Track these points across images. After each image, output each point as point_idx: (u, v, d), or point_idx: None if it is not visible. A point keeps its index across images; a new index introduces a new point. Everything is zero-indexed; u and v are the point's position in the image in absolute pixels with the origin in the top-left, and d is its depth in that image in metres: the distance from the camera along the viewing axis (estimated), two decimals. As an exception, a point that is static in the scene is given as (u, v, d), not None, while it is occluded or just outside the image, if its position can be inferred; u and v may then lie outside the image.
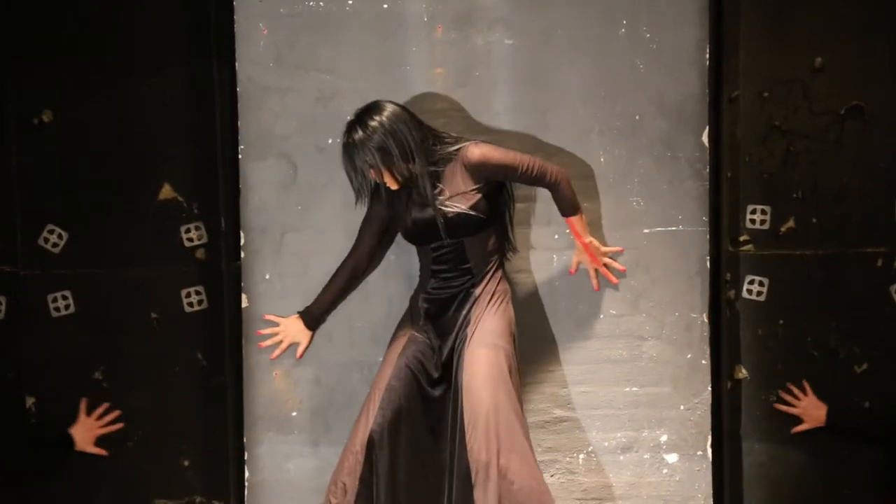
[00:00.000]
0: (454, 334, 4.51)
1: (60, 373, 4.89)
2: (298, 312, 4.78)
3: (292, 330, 4.77)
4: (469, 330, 4.47)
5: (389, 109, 4.40)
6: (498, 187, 4.61)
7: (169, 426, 4.90)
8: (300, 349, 4.79)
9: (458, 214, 4.42)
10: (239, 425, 4.88)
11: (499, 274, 4.58)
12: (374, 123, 4.34)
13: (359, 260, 4.71)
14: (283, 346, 4.78)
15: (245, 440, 4.89)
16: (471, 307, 4.52)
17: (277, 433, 4.87)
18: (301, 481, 4.89)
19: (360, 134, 4.34)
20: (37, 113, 4.87)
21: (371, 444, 4.41)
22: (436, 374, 4.49)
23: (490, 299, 4.52)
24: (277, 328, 4.78)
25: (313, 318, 4.76)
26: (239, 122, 4.83)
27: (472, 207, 4.45)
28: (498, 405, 4.31)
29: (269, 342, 4.80)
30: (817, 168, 4.83)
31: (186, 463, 4.90)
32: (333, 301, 4.76)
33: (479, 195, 4.47)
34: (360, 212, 4.80)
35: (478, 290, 4.53)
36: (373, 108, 4.41)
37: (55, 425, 4.87)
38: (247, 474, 4.89)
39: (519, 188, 4.74)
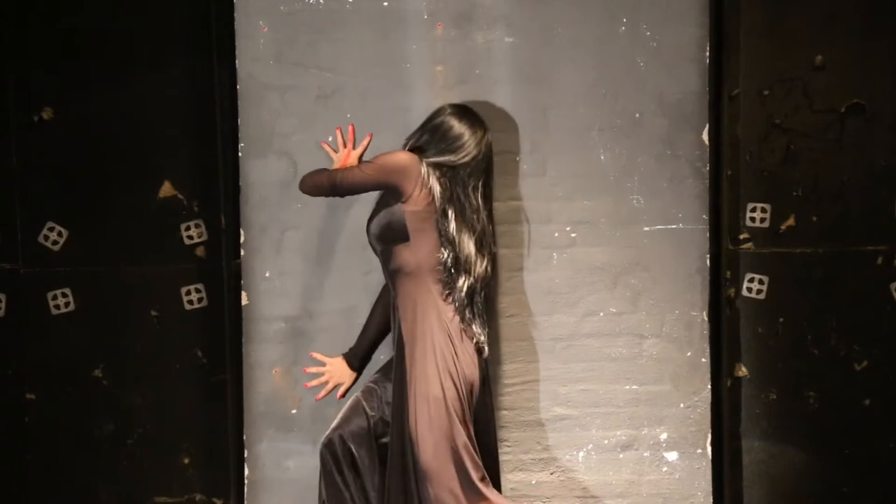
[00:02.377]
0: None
1: (60, 370, 4.90)
2: (343, 354, 4.67)
3: (338, 371, 4.62)
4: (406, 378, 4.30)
5: None
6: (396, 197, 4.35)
7: (169, 424, 4.90)
8: (342, 389, 4.65)
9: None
10: (239, 423, 4.88)
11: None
12: None
13: (389, 296, 4.51)
14: (329, 387, 4.61)
15: (245, 438, 4.89)
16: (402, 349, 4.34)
17: (277, 431, 4.87)
18: (301, 479, 4.88)
19: None
20: (37, 110, 4.87)
21: (330, 447, 4.42)
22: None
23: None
24: (324, 367, 4.64)
25: (357, 359, 4.61)
26: (239, 120, 4.83)
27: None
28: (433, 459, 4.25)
29: (315, 382, 4.66)
30: (817, 166, 4.84)
31: (186, 461, 4.91)
32: (374, 340, 4.62)
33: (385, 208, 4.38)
34: (360, 209, 4.81)
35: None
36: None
37: (55, 423, 4.87)
38: (246, 472, 4.89)
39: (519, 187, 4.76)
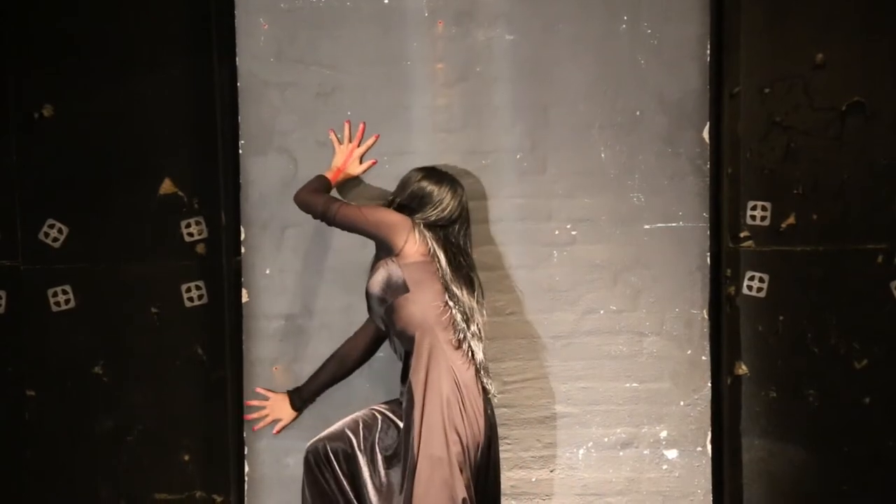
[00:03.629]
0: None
1: (60, 367, 4.90)
2: (288, 392, 4.78)
3: (278, 407, 4.77)
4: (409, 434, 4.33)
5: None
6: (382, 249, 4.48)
7: (169, 421, 4.90)
8: (279, 426, 4.78)
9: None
10: (239, 420, 4.88)
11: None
12: None
13: (353, 348, 4.66)
14: (268, 420, 4.78)
15: (245, 435, 4.89)
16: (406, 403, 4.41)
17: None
18: (300, 476, 4.86)
19: None
20: (37, 107, 4.87)
21: (315, 454, 4.42)
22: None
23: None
24: (266, 402, 4.78)
25: (301, 399, 4.75)
26: (239, 117, 4.83)
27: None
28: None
29: (254, 415, 4.80)
30: (818, 164, 4.84)
31: (187, 457, 4.91)
32: (324, 386, 4.72)
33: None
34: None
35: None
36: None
37: (55, 419, 4.87)
38: (247, 469, 4.89)
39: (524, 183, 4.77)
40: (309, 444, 4.43)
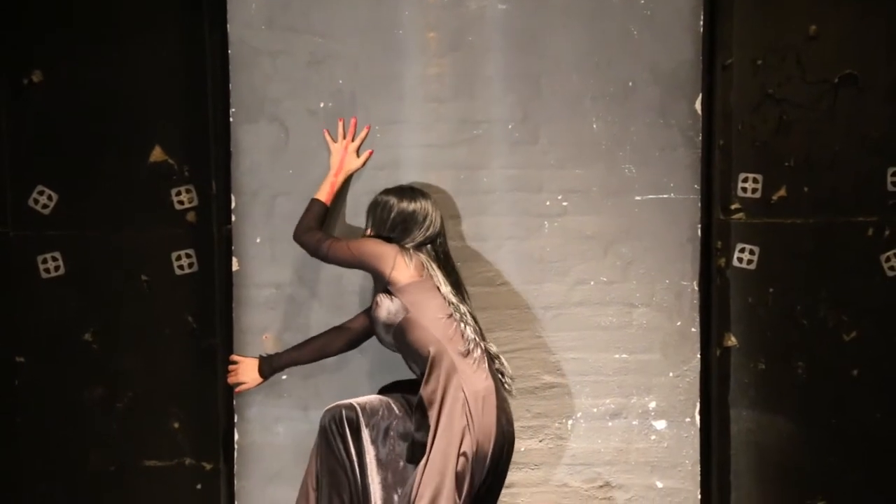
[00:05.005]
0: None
1: (50, 334, 4.89)
2: (260, 356, 4.79)
3: (245, 370, 4.79)
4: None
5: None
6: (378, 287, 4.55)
7: (159, 388, 4.91)
8: (241, 388, 4.81)
9: None
10: (229, 388, 4.88)
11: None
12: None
13: (336, 339, 4.70)
14: (232, 379, 4.81)
15: (235, 403, 4.90)
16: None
17: (267, 396, 4.88)
18: (291, 444, 4.90)
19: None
20: (27, 73, 4.84)
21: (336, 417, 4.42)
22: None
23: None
24: (235, 366, 4.81)
25: (271, 368, 4.78)
26: (230, 85, 4.81)
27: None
28: None
29: (230, 376, 4.83)
30: (810, 137, 4.83)
31: (176, 425, 4.91)
32: (297, 364, 4.77)
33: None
34: (353, 176, 4.80)
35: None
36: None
37: (45, 386, 4.87)
38: (237, 437, 4.90)
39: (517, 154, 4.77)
40: (327, 409, 4.43)
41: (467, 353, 4.34)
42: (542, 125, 4.80)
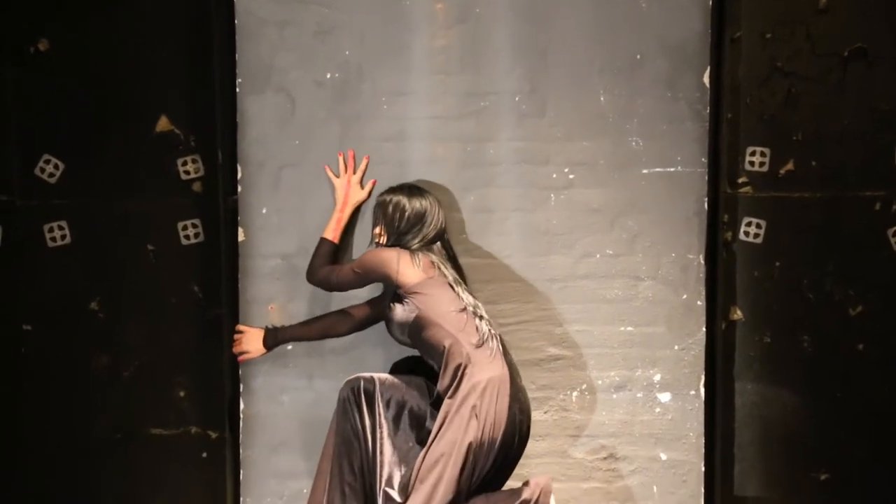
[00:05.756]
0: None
1: (57, 302, 4.90)
2: (266, 328, 4.82)
3: (250, 339, 4.83)
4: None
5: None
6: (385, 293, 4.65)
7: (165, 357, 4.92)
8: (244, 357, 4.84)
9: None
10: (235, 358, 4.89)
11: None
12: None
13: (342, 323, 4.75)
14: (236, 348, 4.84)
15: (241, 372, 4.91)
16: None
17: (273, 366, 4.89)
18: (296, 413, 4.92)
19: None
20: (33, 42, 4.82)
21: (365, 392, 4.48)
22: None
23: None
24: (240, 335, 4.84)
25: (275, 340, 4.82)
26: (237, 55, 4.80)
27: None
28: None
29: (234, 345, 4.86)
30: (818, 110, 4.81)
31: (182, 394, 4.93)
32: (300, 339, 4.82)
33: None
34: (358, 148, 4.80)
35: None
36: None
37: (51, 354, 4.89)
38: (242, 406, 4.92)
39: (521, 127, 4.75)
40: (348, 380, 4.49)
41: (482, 344, 4.37)
42: (550, 98, 4.78)
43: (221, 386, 4.92)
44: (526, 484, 4.35)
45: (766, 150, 4.81)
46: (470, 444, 4.25)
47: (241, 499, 4.94)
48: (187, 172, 4.85)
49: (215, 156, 4.85)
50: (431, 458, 4.29)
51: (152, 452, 4.93)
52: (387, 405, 4.46)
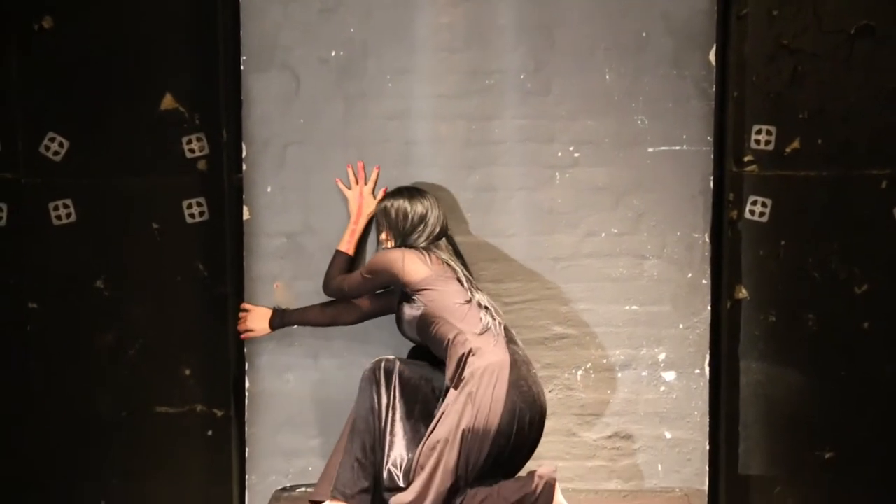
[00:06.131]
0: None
1: (62, 281, 4.90)
2: (274, 309, 4.84)
3: (256, 318, 4.86)
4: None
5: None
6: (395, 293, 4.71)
7: (170, 336, 4.92)
8: (248, 335, 4.87)
9: None
10: (240, 336, 4.90)
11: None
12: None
13: (349, 313, 4.79)
14: (241, 325, 4.87)
15: (246, 351, 4.92)
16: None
17: (279, 345, 4.90)
18: (301, 392, 4.93)
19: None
20: (37, 19, 4.81)
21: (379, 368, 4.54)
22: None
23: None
24: (246, 313, 4.87)
25: (280, 321, 4.84)
26: (241, 33, 4.79)
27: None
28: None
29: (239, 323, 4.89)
30: (825, 88, 4.78)
31: (188, 372, 4.93)
32: (306, 323, 4.85)
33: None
34: (363, 126, 4.79)
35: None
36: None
37: (57, 332, 4.89)
38: (247, 384, 4.93)
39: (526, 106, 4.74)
40: (378, 359, 4.54)
41: (484, 332, 4.40)
42: (555, 76, 4.77)
43: (227, 364, 4.93)
44: (531, 474, 4.34)
45: (772, 129, 4.80)
46: (464, 431, 4.26)
47: (247, 476, 4.96)
48: (192, 151, 4.84)
49: (220, 134, 4.84)
50: (430, 444, 4.32)
51: (158, 430, 4.94)
52: (403, 388, 4.51)
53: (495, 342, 4.38)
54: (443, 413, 4.35)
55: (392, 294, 4.70)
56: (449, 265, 4.52)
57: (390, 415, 4.48)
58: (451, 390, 4.38)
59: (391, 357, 4.57)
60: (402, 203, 4.61)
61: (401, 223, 4.60)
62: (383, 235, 4.65)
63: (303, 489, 4.90)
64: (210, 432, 4.95)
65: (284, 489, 4.92)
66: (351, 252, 4.77)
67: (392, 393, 4.50)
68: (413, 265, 4.49)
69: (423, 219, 4.60)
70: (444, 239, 4.63)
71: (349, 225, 4.79)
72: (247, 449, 4.95)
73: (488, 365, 4.32)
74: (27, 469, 4.93)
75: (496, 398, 4.28)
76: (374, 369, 4.52)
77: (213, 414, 4.95)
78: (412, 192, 4.67)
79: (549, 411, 4.71)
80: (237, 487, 4.96)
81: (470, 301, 4.45)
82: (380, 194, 4.80)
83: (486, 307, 4.45)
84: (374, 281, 4.59)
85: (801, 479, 4.91)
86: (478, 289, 4.53)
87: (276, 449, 4.94)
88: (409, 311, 4.52)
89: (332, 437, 4.90)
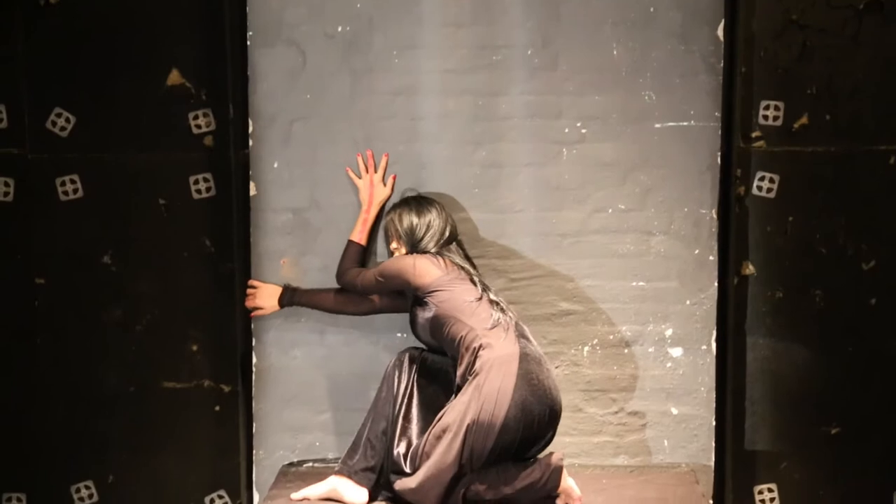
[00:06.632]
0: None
1: (69, 256, 4.90)
2: (284, 287, 4.85)
3: (265, 295, 4.87)
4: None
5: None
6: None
7: (177, 311, 4.93)
8: (257, 312, 4.89)
9: None
10: (247, 312, 4.91)
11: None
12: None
13: (358, 304, 4.80)
14: (249, 302, 4.88)
15: (253, 326, 4.93)
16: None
17: (286, 321, 4.91)
18: (308, 368, 4.94)
19: None
20: (44, -6, 4.81)
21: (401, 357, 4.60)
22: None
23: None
24: (254, 290, 4.88)
25: (290, 299, 4.86)
26: (247, 8, 4.77)
27: None
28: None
29: (248, 294, 4.89)
30: (833, 64, 4.76)
31: (195, 347, 4.94)
32: (315, 306, 4.86)
33: None
34: (369, 101, 4.78)
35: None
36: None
37: (64, 307, 4.90)
38: (254, 360, 4.94)
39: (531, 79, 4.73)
40: (405, 349, 4.61)
41: (495, 326, 4.39)
42: (562, 51, 4.75)
43: (234, 340, 4.94)
44: (537, 461, 4.34)
45: (780, 104, 4.78)
46: (470, 423, 4.26)
47: (254, 451, 4.97)
48: (199, 126, 4.84)
49: (226, 110, 4.83)
50: (436, 432, 4.33)
51: (165, 406, 4.95)
52: (424, 378, 4.55)
53: (505, 336, 4.37)
54: (451, 404, 4.36)
55: (404, 293, 4.71)
56: (462, 268, 4.54)
57: (407, 402, 4.51)
58: (463, 387, 4.38)
59: (419, 348, 4.61)
60: (409, 211, 4.65)
61: (409, 233, 4.62)
62: (394, 245, 4.67)
63: (310, 464, 4.92)
64: (217, 408, 4.96)
65: (292, 464, 4.94)
66: (363, 242, 4.77)
67: (411, 381, 4.53)
68: (424, 268, 4.50)
69: (429, 226, 4.61)
70: (454, 244, 4.65)
71: (361, 214, 4.79)
72: (254, 424, 4.97)
73: (497, 358, 4.31)
74: (35, 444, 4.95)
75: (503, 391, 4.27)
76: (400, 357, 4.57)
77: (221, 389, 4.96)
78: (418, 201, 4.69)
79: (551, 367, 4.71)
80: (244, 462, 4.98)
81: (481, 298, 4.45)
82: (389, 181, 4.80)
83: (497, 303, 4.46)
84: (386, 284, 4.60)
85: (807, 454, 4.92)
86: (490, 289, 4.53)
87: (284, 424, 4.96)
88: (422, 314, 4.53)
89: (339, 412, 4.93)
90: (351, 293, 4.77)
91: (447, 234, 4.63)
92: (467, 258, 4.68)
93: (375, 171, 4.80)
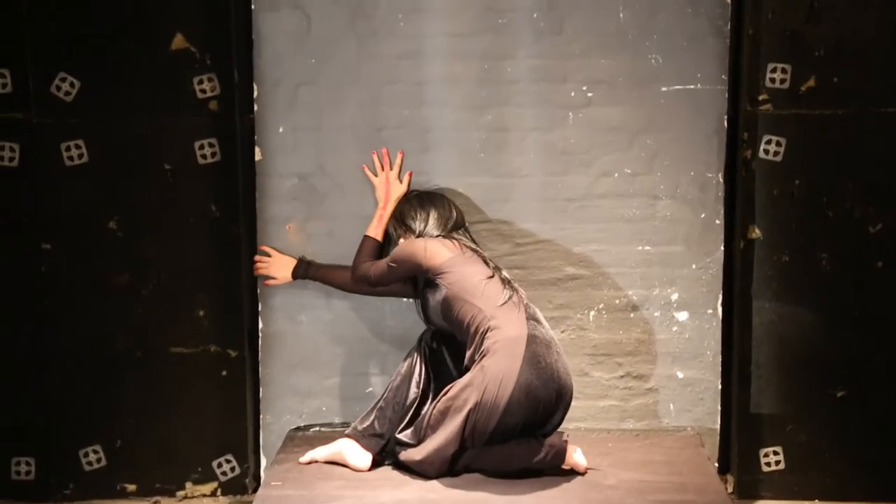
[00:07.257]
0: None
1: (75, 221, 4.90)
2: (299, 259, 4.86)
3: (279, 265, 4.90)
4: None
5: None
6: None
7: (184, 276, 4.92)
8: (271, 281, 4.91)
9: None
10: (253, 277, 4.91)
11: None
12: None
13: (372, 283, 4.73)
14: (262, 271, 4.92)
15: (259, 291, 4.93)
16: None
17: (292, 286, 4.91)
18: (314, 333, 4.95)
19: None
20: (47, -42, 4.78)
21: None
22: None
23: None
24: (268, 259, 4.90)
25: (304, 273, 4.88)
26: (252, -29, 4.76)
27: None
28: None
29: (258, 264, 4.91)
30: (841, 25, 4.73)
31: (201, 313, 4.94)
32: (327, 282, 4.88)
33: None
34: (375, 65, 4.76)
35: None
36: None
37: (71, 273, 4.90)
38: (261, 325, 4.95)
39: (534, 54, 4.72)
40: (430, 327, 4.64)
41: (504, 304, 4.39)
42: (568, 14, 4.73)
43: (240, 305, 4.94)
44: (541, 441, 4.34)
45: (788, 67, 4.75)
46: (473, 404, 4.26)
47: (261, 416, 4.99)
48: (203, 91, 4.82)
49: (231, 74, 4.81)
50: (441, 408, 4.36)
51: (172, 371, 4.96)
52: (444, 359, 4.59)
53: (516, 316, 4.37)
54: (457, 381, 4.37)
55: (416, 280, 4.71)
56: (474, 250, 4.55)
57: (422, 379, 4.54)
58: (469, 375, 4.37)
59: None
60: (415, 203, 4.69)
61: (417, 221, 4.64)
62: (402, 240, 4.68)
63: (317, 429, 4.94)
64: (224, 372, 4.97)
65: (298, 428, 4.96)
66: (379, 237, 4.77)
67: (425, 360, 4.57)
68: (435, 250, 4.50)
69: (437, 213, 4.64)
70: (461, 230, 4.66)
71: (377, 211, 4.78)
72: (261, 389, 4.98)
73: (504, 339, 4.31)
74: (43, 409, 4.96)
75: (508, 374, 4.26)
76: (422, 337, 4.61)
77: (227, 354, 4.97)
78: (422, 194, 4.73)
79: (561, 351, 4.73)
80: (252, 427, 4.99)
81: (492, 277, 4.45)
82: (405, 178, 4.80)
83: (508, 281, 4.46)
84: (398, 270, 4.58)
85: (813, 417, 4.92)
86: (501, 269, 4.53)
87: (290, 389, 4.97)
88: (433, 297, 4.52)
89: (345, 377, 4.94)
90: (356, 268, 4.77)
91: (453, 219, 4.65)
92: (475, 242, 4.70)
93: (391, 169, 4.80)
